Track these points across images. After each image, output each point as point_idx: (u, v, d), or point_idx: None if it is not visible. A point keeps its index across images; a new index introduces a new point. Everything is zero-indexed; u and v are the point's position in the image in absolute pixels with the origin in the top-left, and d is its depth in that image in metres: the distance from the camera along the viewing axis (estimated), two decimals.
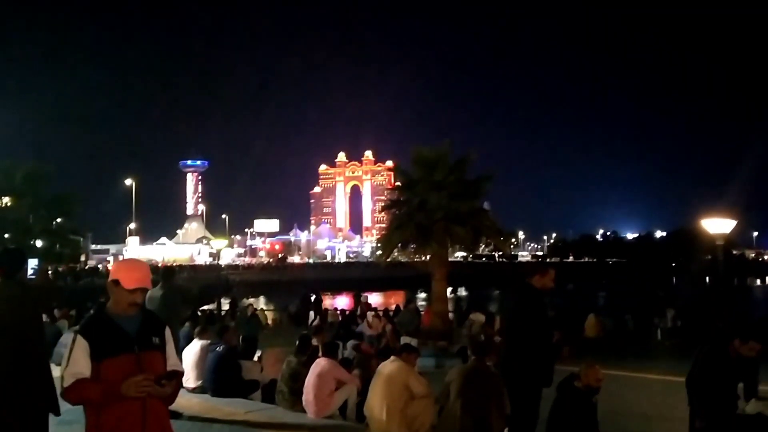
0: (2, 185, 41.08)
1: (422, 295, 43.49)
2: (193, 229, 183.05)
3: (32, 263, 32.90)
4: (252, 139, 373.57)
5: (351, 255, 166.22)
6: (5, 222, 40.35)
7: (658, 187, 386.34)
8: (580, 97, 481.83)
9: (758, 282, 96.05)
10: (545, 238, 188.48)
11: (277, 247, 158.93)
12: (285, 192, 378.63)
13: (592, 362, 5.87)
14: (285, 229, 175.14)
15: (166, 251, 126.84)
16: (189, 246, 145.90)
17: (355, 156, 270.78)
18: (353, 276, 79.44)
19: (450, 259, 19.68)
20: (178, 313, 10.74)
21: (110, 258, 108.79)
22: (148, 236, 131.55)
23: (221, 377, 8.79)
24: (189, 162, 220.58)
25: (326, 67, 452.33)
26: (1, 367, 4.27)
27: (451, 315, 20.75)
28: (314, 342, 9.78)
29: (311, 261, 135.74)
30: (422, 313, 19.94)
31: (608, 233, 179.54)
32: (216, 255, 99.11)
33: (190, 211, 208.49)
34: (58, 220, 43.36)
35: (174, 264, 66.49)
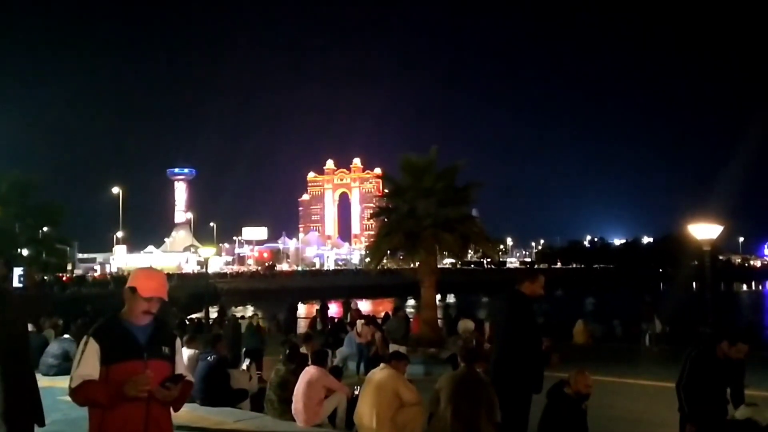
0: None
1: (411, 302, 43.50)
2: (180, 237, 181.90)
3: (18, 272, 32.61)
4: (240, 146, 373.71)
5: (340, 263, 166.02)
6: None
7: (645, 193, 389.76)
8: (567, 104, 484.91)
9: (744, 287, 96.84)
10: (533, 244, 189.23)
11: (265, 255, 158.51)
12: (273, 199, 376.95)
13: (582, 369, 5.89)
14: (273, 236, 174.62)
15: (153, 260, 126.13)
16: (177, 254, 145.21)
17: (343, 163, 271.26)
18: (342, 284, 79.25)
19: (439, 266, 19.65)
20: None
21: (97, 267, 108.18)
22: (135, 245, 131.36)
23: (210, 386, 8.74)
24: (176, 170, 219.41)
25: (315, 74, 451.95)
26: None
27: (440, 322, 20.74)
28: (303, 350, 9.75)
29: (300, 269, 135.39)
30: (411, 320, 19.91)
31: (596, 239, 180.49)
32: (204, 263, 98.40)
33: (177, 219, 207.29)
34: (45, 228, 43.09)
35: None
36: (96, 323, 3.43)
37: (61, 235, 45.12)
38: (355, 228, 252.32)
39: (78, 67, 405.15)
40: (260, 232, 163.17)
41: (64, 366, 10.63)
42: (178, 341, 3.54)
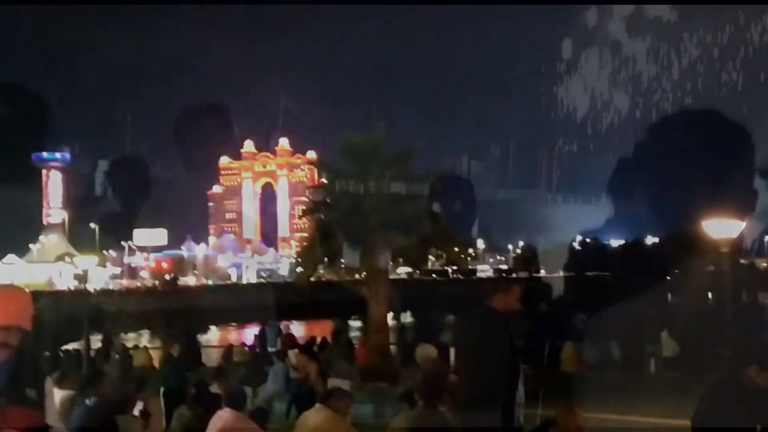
0: None
1: (356, 323, 43.55)
2: (51, 243, 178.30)
3: None
4: (128, 124, 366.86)
5: (263, 274, 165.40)
6: None
7: (649, 184, 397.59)
8: None
9: None
10: (510, 247, 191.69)
11: (164, 265, 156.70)
12: (174, 193, 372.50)
13: (571, 404, 5.96)
14: (175, 241, 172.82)
15: (15, 274, 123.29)
16: (47, 266, 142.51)
17: (266, 146, 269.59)
18: (266, 301, 78.91)
19: (391, 277, 19.79)
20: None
21: None
22: None
23: None
24: (45, 155, 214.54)
25: (226, 25, 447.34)
26: None
27: (393, 348, 20.85)
28: (214, 389, 9.67)
29: (211, 283, 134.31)
30: (356, 347, 19.96)
31: (588, 240, 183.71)
32: (83, 277, 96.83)
33: (48, 220, 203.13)
34: None
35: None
36: None
37: None
38: (283, 229, 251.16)
39: None
40: (158, 236, 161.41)
41: None
42: (47, 381, 3.49)
